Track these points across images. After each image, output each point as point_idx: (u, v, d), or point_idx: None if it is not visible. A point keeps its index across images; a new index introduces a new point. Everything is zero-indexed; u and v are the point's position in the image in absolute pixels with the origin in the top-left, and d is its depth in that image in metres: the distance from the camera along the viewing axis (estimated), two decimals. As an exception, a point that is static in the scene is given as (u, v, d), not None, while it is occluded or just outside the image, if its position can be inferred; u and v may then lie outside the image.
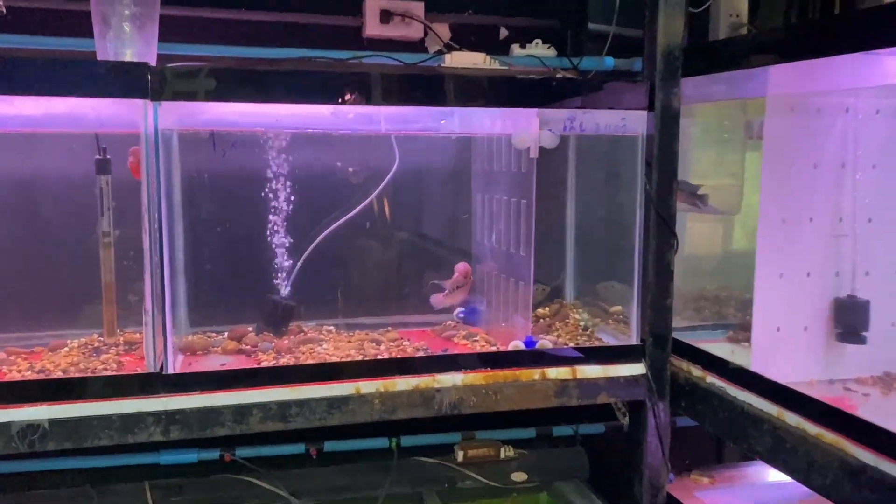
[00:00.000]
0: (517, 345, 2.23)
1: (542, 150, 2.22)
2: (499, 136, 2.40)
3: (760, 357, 2.08)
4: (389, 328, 2.56)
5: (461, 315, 2.66)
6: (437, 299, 2.51)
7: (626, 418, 2.76)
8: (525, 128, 2.18)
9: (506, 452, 2.69)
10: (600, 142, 2.57)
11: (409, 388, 2.12)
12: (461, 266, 2.50)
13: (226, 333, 2.43)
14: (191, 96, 1.92)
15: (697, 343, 2.37)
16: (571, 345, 2.39)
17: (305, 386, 2.05)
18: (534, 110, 2.17)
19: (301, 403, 2.04)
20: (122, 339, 2.33)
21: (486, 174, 2.47)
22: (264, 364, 2.16)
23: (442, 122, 2.13)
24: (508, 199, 2.37)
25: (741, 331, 2.44)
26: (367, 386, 2.09)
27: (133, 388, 1.95)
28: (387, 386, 2.10)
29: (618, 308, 2.61)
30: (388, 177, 2.50)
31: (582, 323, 2.58)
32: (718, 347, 2.37)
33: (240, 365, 2.18)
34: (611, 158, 2.53)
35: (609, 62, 2.63)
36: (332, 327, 2.54)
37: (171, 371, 1.99)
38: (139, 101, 1.90)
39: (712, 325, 2.57)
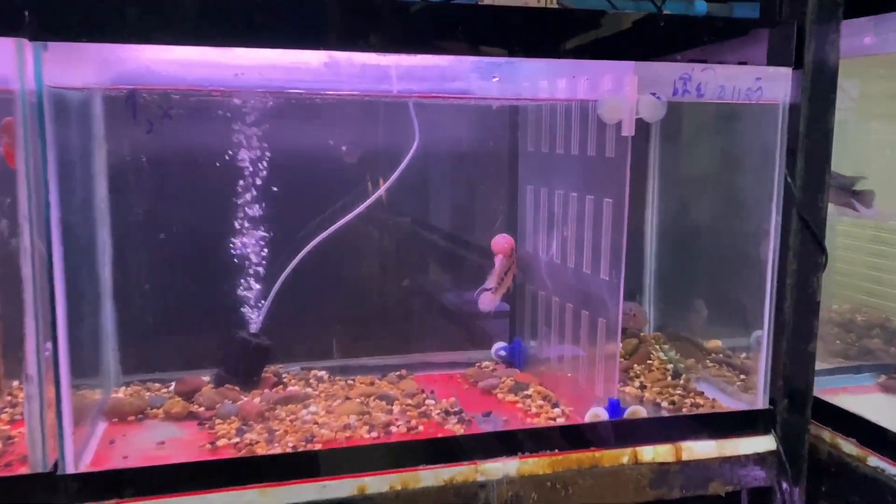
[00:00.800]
0: (597, 414, 1.52)
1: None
2: (566, 102, 1.66)
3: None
4: (403, 372, 1.85)
5: (501, 352, 1.95)
6: (486, 301, 1.80)
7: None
8: (616, 92, 1.44)
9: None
10: (700, 113, 1.84)
11: (438, 482, 1.43)
12: (499, 243, 1.78)
13: (172, 385, 1.70)
14: (93, 34, 1.19)
15: (835, 396, 1.70)
16: (665, 404, 1.69)
17: (283, 486, 1.34)
18: (629, 65, 1.43)
19: (276, 513, 1.33)
20: (19, 396, 1.61)
21: (542, 159, 1.75)
22: (222, 444, 1.46)
23: (494, 79, 1.40)
24: (581, 195, 1.64)
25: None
26: (377, 483, 1.39)
27: (8, 498, 1.23)
28: (406, 481, 1.40)
29: (716, 343, 1.91)
30: (406, 160, 1.77)
31: (670, 366, 1.87)
32: (868, 402, 1.68)
33: (186, 447, 1.47)
34: (716, 136, 1.81)
35: (701, 6, 1.89)
36: (323, 372, 1.82)
37: (70, 469, 1.27)
38: (9, 42, 1.16)
39: (855, 368, 1.87)
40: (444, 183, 1.99)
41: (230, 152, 1.69)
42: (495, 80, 1.39)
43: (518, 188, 1.92)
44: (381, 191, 1.77)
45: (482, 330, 2.00)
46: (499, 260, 1.78)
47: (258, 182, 1.71)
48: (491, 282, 1.79)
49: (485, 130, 1.93)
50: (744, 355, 1.84)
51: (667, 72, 1.45)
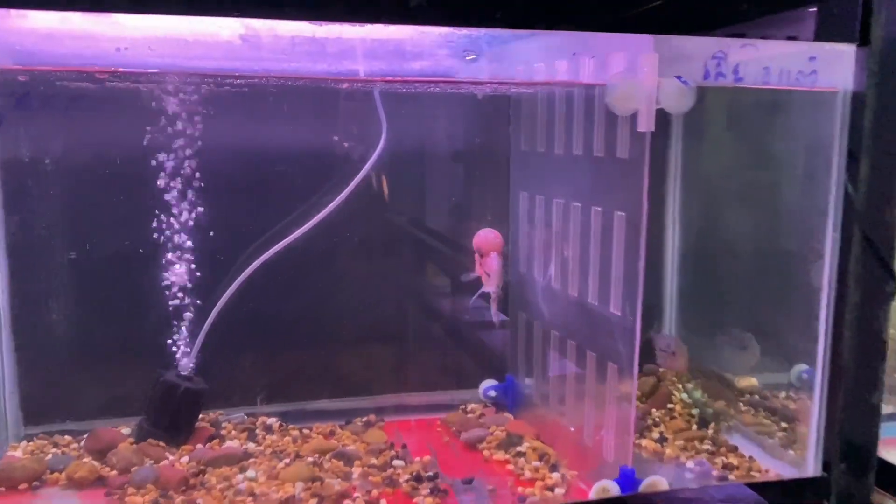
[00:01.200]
0: (606, 489, 1.19)
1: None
2: (566, 86, 1.34)
3: None
4: (371, 417, 1.54)
5: (491, 392, 1.63)
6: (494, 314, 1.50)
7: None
8: (631, 75, 1.11)
9: None
10: (736, 101, 1.52)
11: (402, 580, 1.10)
12: (489, 240, 1.48)
13: (83, 440, 1.39)
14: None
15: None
16: (691, 464, 1.36)
17: None
18: (647, 39, 1.11)
19: None
20: None
21: (538, 160, 1.42)
22: (125, 529, 1.13)
23: (469, 57, 1.07)
24: (585, 206, 1.31)
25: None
26: (320, 584, 1.07)
27: None
28: (358, 581, 1.08)
29: (751, 382, 1.58)
30: (371, 161, 1.45)
31: (695, 410, 1.54)
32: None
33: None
34: (755, 132, 1.50)
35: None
36: (273, 419, 1.50)
37: None
38: None
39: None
40: (424, 189, 1.67)
41: (155, 153, 1.37)
42: (471, 58, 1.07)
43: (510, 195, 1.60)
44: (338, 201, 1.45)
45: (469, 362, 1.68)
46: (493, 258, 1.46)
47: (190, 189, 1.39)
48: (490, 285, 1.47)
49: (469, 125, 1.61)
50: (783, 394, 1.53)
51: (695, 49, 1.13)
